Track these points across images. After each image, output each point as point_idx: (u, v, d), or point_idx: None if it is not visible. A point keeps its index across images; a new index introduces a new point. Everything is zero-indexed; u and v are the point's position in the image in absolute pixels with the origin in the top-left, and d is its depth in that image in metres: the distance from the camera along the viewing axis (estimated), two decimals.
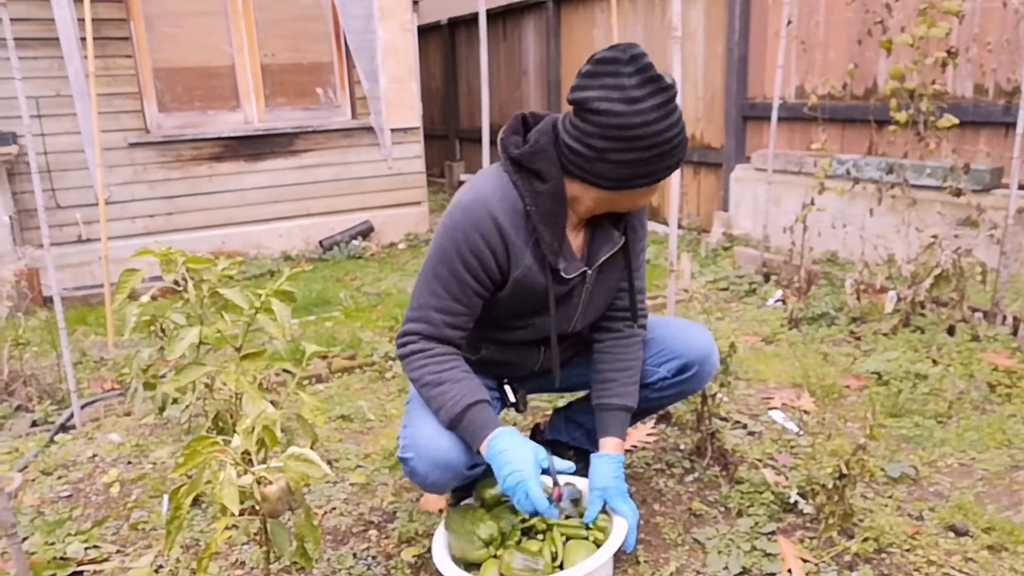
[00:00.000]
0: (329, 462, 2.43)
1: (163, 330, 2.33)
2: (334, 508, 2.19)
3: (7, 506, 1.75)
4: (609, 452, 1.82)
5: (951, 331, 3.11)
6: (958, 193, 3.28)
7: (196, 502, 2.15)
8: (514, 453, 1.61)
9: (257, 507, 1.42)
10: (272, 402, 1.70)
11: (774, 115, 4.07)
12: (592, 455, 1.85)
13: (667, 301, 2.54)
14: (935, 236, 3.19)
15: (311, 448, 1.47)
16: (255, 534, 1.52)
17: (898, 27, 3.91)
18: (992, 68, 4.15)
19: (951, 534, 1.92)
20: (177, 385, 2.03)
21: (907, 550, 1.86)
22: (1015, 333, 3.02)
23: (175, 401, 2.42)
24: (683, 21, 2.65)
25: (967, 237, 3.36)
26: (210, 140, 5.74)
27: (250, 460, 1.41)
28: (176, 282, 2.03)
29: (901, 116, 3.27)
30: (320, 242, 6.06)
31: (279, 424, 1.46)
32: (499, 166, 1.70)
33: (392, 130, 6.25)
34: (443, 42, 9.71)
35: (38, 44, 5.01)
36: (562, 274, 1.71)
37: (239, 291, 1.92)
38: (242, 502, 1.35)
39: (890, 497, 2.09)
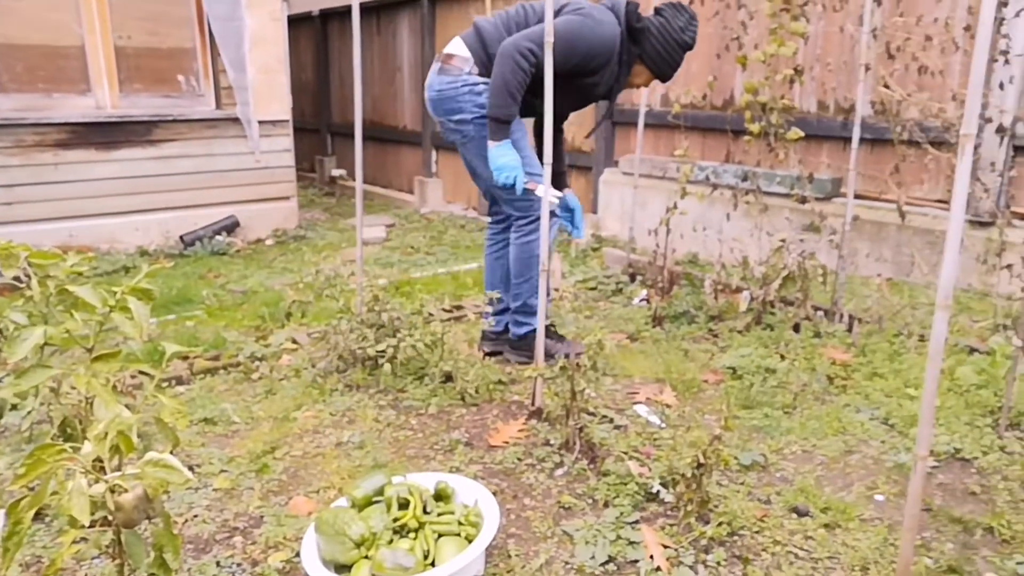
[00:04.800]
0: (191, 467, 2.32)
1: (1, 331, 2.14)
2: (196, 515, 2.09)
3: None
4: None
5: (796, 328, 3.36)
6: (803, 200, 3.53)
7: (39, 516, 2.00)
8: (515, 155, 2.74)
9: (110, 518, 1.34)
10: (127, 406, 1.61)
11: (640, 121, 4.24)
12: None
13: (538, 300, 2.62)
14: (783, 240, 3.42)
15: (171, 453, 1.40)
16: (107, 546, 1.43)
17: (752, 44, 4.17)
18: (832, 87, 4.52)
19: (794, 515, 2.08)
20: (17, 390, 1.88)
21: (756, 532, 2.00)
22: (850, 330, 3.31)
23: (15, 407, 2.23)
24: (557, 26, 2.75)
25: (811, 241, 3.63)
26: (56, 125, 5.32)
27: (103, 468, 1.32)
28: (17, 278, 1.88)
29: (755, 127, 3.47)
30: (181, 237, 5.75)
31: (135, 428, 1.38)
32: (615, 20, 2.79)
33: (260, 122, 6.02)
34: (315, 34, 9.44)
35: None
36: (611, 97, 3.02)
37: (91, 288, 1.80)
38: (93, 513, 1.27)
39: (742, 483, 2.24)
